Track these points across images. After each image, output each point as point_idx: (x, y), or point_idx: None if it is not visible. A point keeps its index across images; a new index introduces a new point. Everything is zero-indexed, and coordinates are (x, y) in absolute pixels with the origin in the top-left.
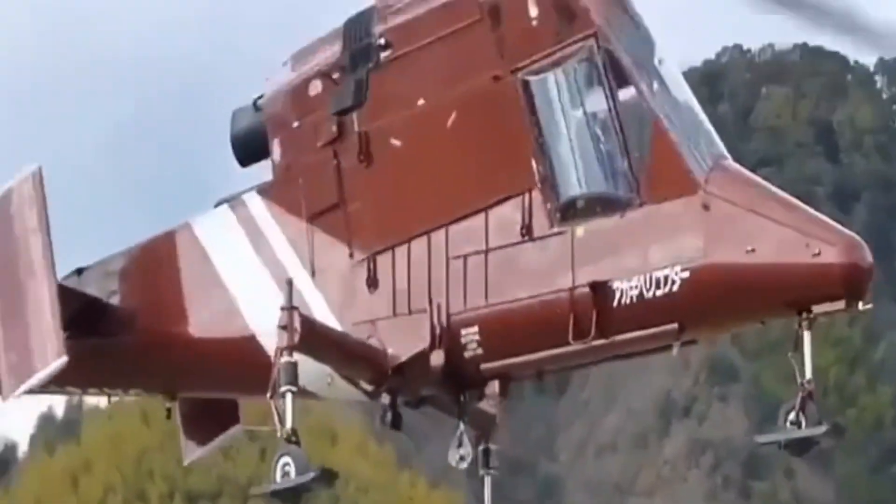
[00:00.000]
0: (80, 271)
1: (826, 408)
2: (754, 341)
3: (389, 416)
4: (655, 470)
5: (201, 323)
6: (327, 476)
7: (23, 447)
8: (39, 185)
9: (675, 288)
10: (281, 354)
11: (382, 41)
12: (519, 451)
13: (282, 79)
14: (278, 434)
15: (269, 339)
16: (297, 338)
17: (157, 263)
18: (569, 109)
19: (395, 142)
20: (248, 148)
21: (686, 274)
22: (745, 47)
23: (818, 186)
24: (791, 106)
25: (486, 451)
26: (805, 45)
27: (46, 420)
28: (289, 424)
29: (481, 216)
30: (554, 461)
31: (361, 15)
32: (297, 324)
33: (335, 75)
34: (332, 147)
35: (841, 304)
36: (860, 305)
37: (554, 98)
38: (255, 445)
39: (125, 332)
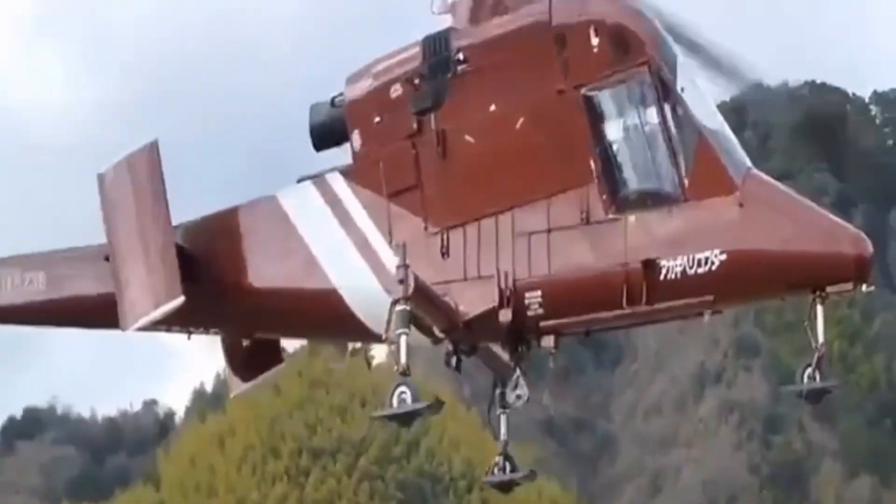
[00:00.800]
0: (175, 227)
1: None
2: (773, 322)
3: (454, 360)
4: (692, 427)
5: (282, 276)
6: (437, 405)
7: (179, 415)
8: (157, 153)
9: (714, 268)
10: (396, 303)
11: (461, 56)
12: (582, 413)
13: (361, 82)
14: (395, 369)
15: (350, 293)
16: (410, 290)
17: (245, 225)
18: (624, 121)
19: (469, 138)
20: (326, 136)
21: (724, 256)
22: (764, 84)
23: (824, 197)
24: (802, 131)
25: (503, 394)
26: (813, 81)
27: (198, 394)
28: (403, 360)
29: (544, 203)
30: (610, 421)
31: (440, 34)
32: (410, 279)
33: (416, 81)
34: (411, 140)
35: (849, 286)
36: (864, 287)
37: (611, 111)
38: (367, 410)
39: (213, 281)
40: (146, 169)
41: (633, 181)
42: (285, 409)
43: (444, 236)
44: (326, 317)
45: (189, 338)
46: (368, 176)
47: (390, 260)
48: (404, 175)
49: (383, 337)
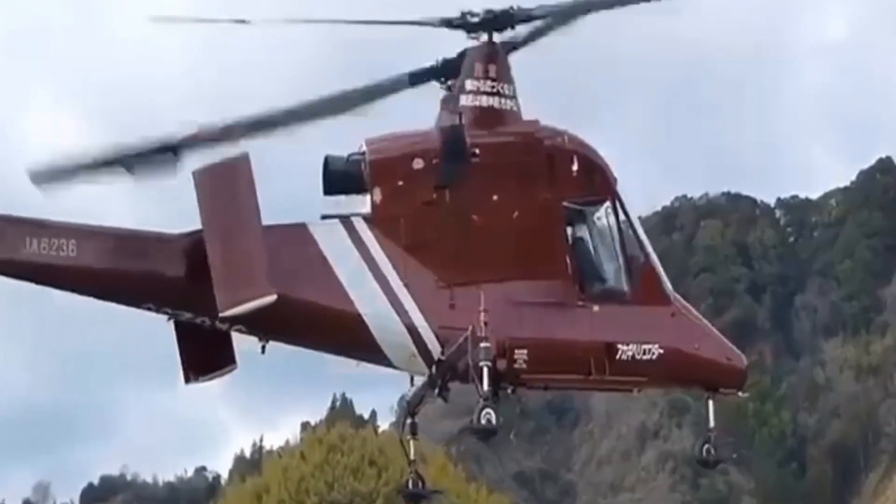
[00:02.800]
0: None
1: (746, 427)
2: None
3: (444, 391)
4: (637, 474)
5: (312, 293)
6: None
7: (224, 477)
8: (250, 163)
9: (653, 357)
10: (478, 342)
11: (476, 150)
12: (547, 465)
13: (385, 147)
14: (480, 395)
15: (372, 320)
16: (485, 331)
17: (273, 243)
18: (593, 233)
19: (476, 217)
20: (339, 185)
21: (661, 350)
22: (689, 196)
23: (738, 284)
24: (720, 232)
25: (413, 423)
26: (728, 192)
27: (239, 459)
28: (486, 388)
29: (533, 282)
30: (570, 471)
31: (458, 128)
32: (484, 326)
33: (434, 160)
34: (428, 206)
35: (734, 392)
36: (741, 394)
37: (584, 224)
38: (374, 469)
39: None
40: (243, 175)
41: (597, 281)
42: (309, 471)
43: (451, 291)
44: (347, 336)
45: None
46: (389, 227)
47: (407, 299)
48: (421, 234)
49: (470, 366)
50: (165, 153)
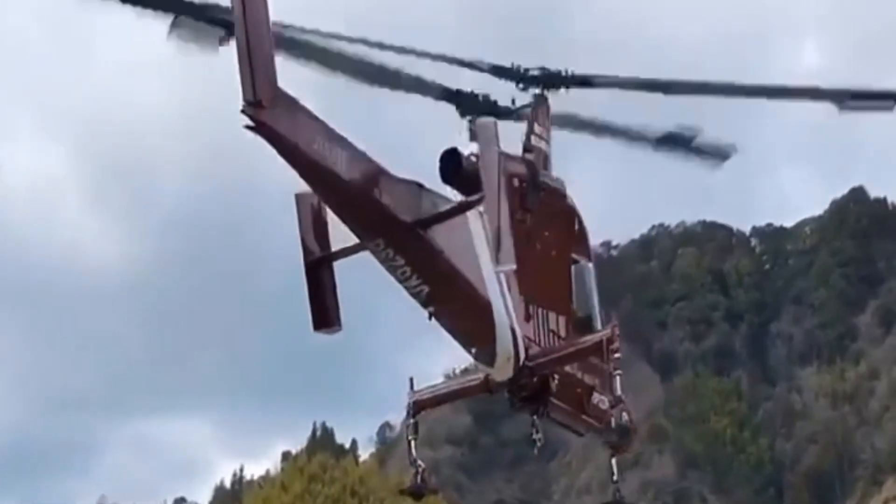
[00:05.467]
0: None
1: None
2: (678, 414)
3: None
4: None
5: (463, 264)
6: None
7: None
8: None
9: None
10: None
11: (543, 190)
12: (525, 495)
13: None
14: (613, 399)
15: (496, 308)
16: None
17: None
18: (580, 284)
19: (538, 246)
20: (458, 180)
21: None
22: (666, 224)
23: (715, 312)
24: (697, 260)
25: (416, 424)
26: (705, 220)
27: (219, 490)
28: (619, 391)
29: (554, 315)
30: (550, 500)
31: (532, 163)
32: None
33: (524, 185)
34: (520, 224)
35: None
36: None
37: (582, 276)
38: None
39: None
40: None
41: (586, 327)
42: (289, 501)
43: (525, 304)
44: (474, 316)
45: None
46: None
47: (510, 302)
48: (515, 246)
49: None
50: (219, 25)
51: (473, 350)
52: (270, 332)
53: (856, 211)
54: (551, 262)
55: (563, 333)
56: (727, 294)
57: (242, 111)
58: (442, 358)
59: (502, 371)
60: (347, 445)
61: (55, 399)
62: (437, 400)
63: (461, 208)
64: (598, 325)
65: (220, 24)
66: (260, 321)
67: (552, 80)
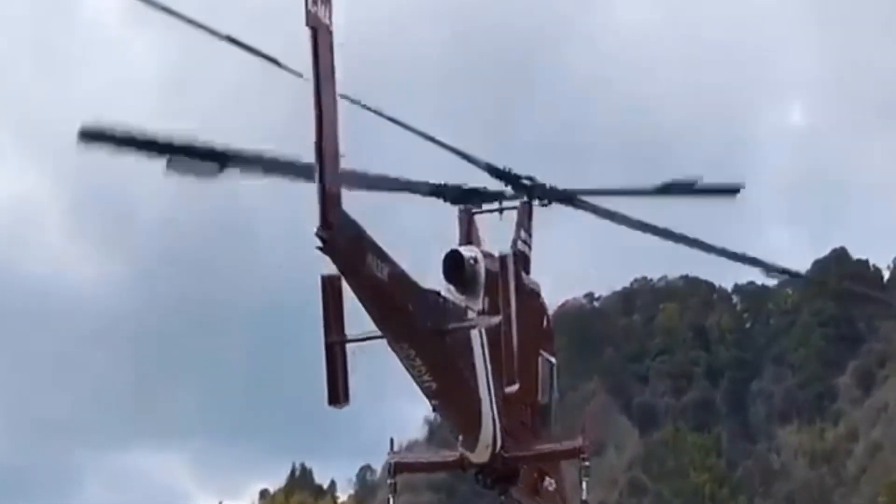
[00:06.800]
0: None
1: None
2: (657, 468)
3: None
4: None
5: (462, 363)
6: None
7: None
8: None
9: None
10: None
11: (523, 288)
12: None
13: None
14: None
15: (484, 401)
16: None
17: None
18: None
19: (515, 343)
20: (460, 280)
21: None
22: (648, 277)
23: (696, 367)
24: (679, 315)
25: (395, 484)
26: (687, 275)
27: None
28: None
29: (527, 410)
30: None
31: (520, 256)
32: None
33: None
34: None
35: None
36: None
37: (547, 369)
38: None
39: None
40: None
41: (546, 415)
42: None
43: (505, 399)
44: (469, 409)
45: None
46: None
47: (494, 397)
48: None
49: None
50: (211, 160)
51: (461, 437)
52: (252, 368)
53: (837, 272)
54: (526, 359)
55: (529, 423)
56: (708, 350)
57: (316, 234)
58: (423, 402)
59: (480, 456)
60: (326, 486)
61: (31, 428)
62: (416, 468)
63: (475, 324)
64: (553, 414)
65: (214, 159)
66: (242, 356)
67: (538, 192)
